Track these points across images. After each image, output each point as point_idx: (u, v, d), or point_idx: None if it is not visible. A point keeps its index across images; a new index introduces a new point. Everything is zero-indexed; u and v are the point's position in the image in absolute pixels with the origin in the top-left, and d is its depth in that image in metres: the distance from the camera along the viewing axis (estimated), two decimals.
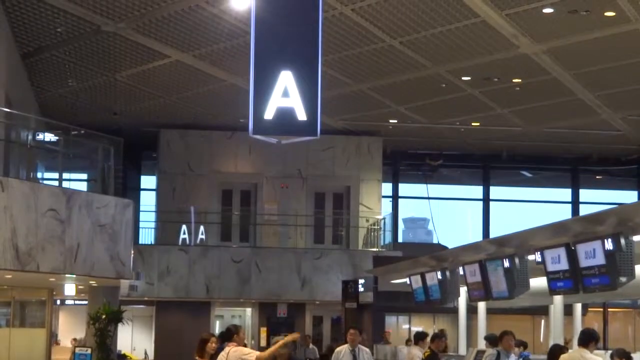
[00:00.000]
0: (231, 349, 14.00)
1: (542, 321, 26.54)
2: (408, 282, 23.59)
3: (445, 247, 28.64)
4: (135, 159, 35.93)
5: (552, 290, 15.90)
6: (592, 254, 14.48)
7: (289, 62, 17.90)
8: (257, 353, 14.02)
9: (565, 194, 39.29)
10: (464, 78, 26.87)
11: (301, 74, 17.71)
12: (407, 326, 33.83)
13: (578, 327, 18.37)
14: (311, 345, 29.34)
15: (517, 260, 17.18)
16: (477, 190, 38.92)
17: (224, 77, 26.27)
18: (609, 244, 13.67)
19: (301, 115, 17.26)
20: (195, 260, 32.14)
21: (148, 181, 38.26)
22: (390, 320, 34.60)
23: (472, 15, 21.57)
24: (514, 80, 26.92)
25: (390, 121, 32.20)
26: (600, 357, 14.22)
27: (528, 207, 38.17)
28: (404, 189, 38.70)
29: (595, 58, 24.72)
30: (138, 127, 33.56)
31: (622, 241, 13.49)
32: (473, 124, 32.37)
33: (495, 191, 39.03)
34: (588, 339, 14.16)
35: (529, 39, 23.21)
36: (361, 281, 29.45)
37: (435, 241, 37.49)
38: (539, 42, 23.55)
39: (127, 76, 27.83)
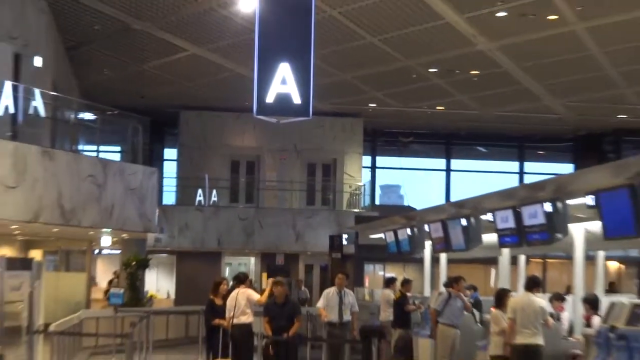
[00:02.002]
0: (240, 290, 14.16)
1: (492, 270, 26.59)
2: (383, 237, 23.59)
3: (414, 209, 28.62)
4: (159, 134, 35.94)
5: (501, 244, 15.98)
6: (534, 215, 14.55)
7: (286, 56, 17.92)
8: (259, 295, 14.19)
9: (514, 166, 39.40)
10: (431, 70, 26.86)
11: (296, 65, 17.75)
12: (382, 273, 33.95)
13: (522, 275, 18.45)
14: (303, 288, 29.44)
15: (472, 220, 17.24)
16: (440, 163, 39.01)
17: (233, 67, 26.29)
18: (548, 207, 13.75)
19: (296, 99, 17.31)
20: (208, 218, 32.22)
21: (170, 153, 38.25)
22: (368, 268, 34.80)
23: (438, 18, 21.59)
24: (472, 72, 26.92)
25: (370, 105, 32.21)
26: (542, 299, 14.33)
27: (482, 177, 38.20)
28: (381, 161, 38.77)
29: (540, 54, 24.71)
30: (162, 109, 33.56)
31: (559, 205, 13.57)
32: (438, 107, 32.38)
33: (456, 163, 39.10)
34: (533, 285, 14.26)
35: (485, 37, 23.21)
36: (345, 236, 29.51)
37: (406, 204, 37.54)
38: (493, 41, 23.56)
39: (152, 66, 27.86)
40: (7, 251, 24.12)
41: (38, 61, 21.64)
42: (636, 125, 33.79)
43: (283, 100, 17.90)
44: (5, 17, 20.69)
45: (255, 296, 14.15)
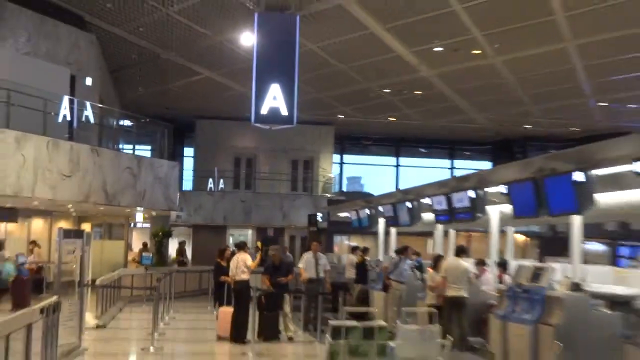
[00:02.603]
0: (240, 255, 14.26)
1: (430, 240, 26.67)
2: (348, 215, 23.76)
3: (372, 195, 28.73)
4: (180, 137, 35.79)
5: (437, 221, 16.15)
6: (461, 200, 14.65)
7: (277, 79, 18.12)
8: (252, 261, 14.37)
9: (446, 163, 39.54)
10: (385, 90, 26.90)
11: (284, 86, 18.00)
12: (347, 242, 33.98)
13: (452, 245, 18.52)
14: (287, 253, 29.42)
15: (415, 203, 17.37)
16: (392, 160, 39.05)
17: (237, 87, 26.24)
18: (471, 194, 13.86)
19: (284, 111, 17.59)
20: (217, 201, 32.28)
21: (188, 151, 38.05)
22: (337, 238, 34.85)
23: (391, 51, 21.65)
24: (416, 92, 26.96)
25: (339, 116, 32.21)
26: (467, 263, 14.42)
27: (423, 171, 38.25)
28: (347, 158, 38.69)
29: (467, 79, 24.79)
30: (182, 118, 33.55)
31: (480, 192, 13.70)
32: (390, 118, 32.38)
33: (403, 161, 39.12)
34: (460, 252, 14.42)
35: (426, 66, 23.26)
36: (319, 214, 29.51)
37: (365, 191, 37.59)
38: (432, 69, 23.59)
39: (176, 86, 27.79)
40: (64, 224, 24.14)
41: (89, 81, 22.08)
42: (538, 134, 33.99)
43: (274, 112, 18.16)
44: (63, 47, 21.34)
45: (249, 261, 14.28)
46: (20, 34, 20.23)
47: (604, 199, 10.94)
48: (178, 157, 35.07)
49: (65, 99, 19.24)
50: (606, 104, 27.61)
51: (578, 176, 10.82)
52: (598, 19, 18.74)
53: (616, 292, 11.61)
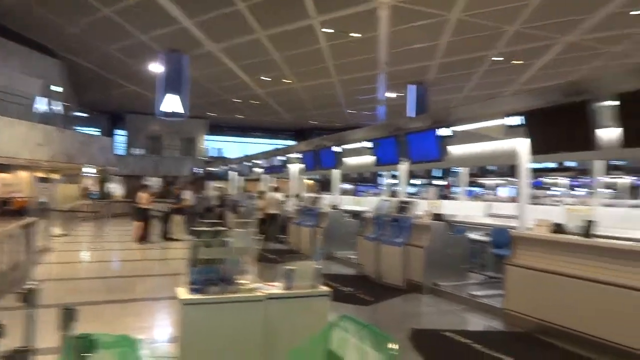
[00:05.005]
0: (144, 193, 13.30)
1: (260, 183, 26.78)
2: (215, 169, 23.25)
3: (229, 158, 28.28)
4: (116, 123, 32.50)
5: (263, 172, 16.08)
6: (275, 161, 14.77)
7: (176, 91, 17.35)
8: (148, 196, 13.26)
9: (270, 141, 38.69)
10: (235, 100, 26.43)
11: (181, 96, 17.23)
12: (214, 184, 33.10)
13: (271, 185, 18.62)
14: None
15: (251, 163, 17.27)
16: (240, 139, 38.08)
17: (150, 95, 24.48)
18: (282, 158, 13.92)
19: (180, 110, 16.82)
20: (138, 161, 30.42)
21: (122, 132, 35.34)
22: (209, 183, 33.87)
23: (238, 78, 21.20)
24: (252, 102, 26.52)
25: (210, 114, 31.29)
26: (279, 195, 14.60)
27: (257, 146, 37.53)
28: (215, 138, 37.33)
29: (280, 95, 24.79)
30: (118, 112, 31.04)
31: (284, 158, 13.77)
32: (238, 116, 31.83)
33: (247, 140, 38.00)
34: (275, 189, 14.54)
35: (259, 88, 23.08)
36: (199, 169, 28.77)
37: (225, 156, 36.64)
38: (261, 88, 23.38)
39: (114, 93, 25.62)
40: (39, 173, 22.01)
41: (58, 88, 20.03)
42: (318, 126, 34.37)
43: (173, 111, 17.42)
44: (39, 67, 18.98)
45: (144, 199, 12.94)
46: (11, 60, 18.12)
47: (350, 161, 11.53)
48: (115, 136, 32.69)
49: (42, 99, 17.94)
50: (353, 112, 28.75)
51: (336, 149, 11.32)
52: (353, 65, 19.31)
53: (354, 209, 12.30)
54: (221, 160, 28.16)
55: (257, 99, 25.80)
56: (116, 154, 29.15)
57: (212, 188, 23.63)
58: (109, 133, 29.98)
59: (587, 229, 5.56)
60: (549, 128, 5.85)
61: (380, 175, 30.02)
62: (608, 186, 20.20)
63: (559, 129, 5.72)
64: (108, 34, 16.73)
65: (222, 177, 23.16)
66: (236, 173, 20.83)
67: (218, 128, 36.49)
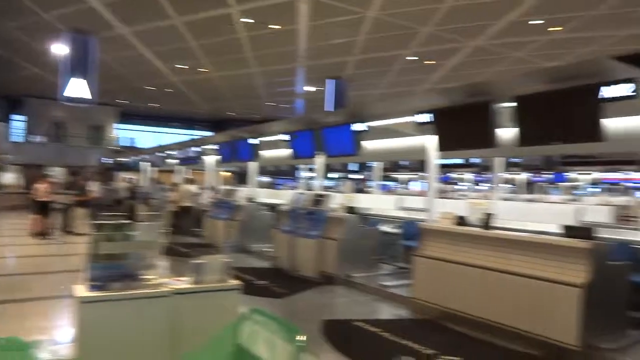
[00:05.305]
0: (42, 184, 12.28)
1: (173, 174, 26.01)
2: (125, 159, 22.22)
3: (141, 148, 27.06)
4: (15, 108, 30.26)
5: (178, 164, 15.63)
6: (191, 152, 14.37)
7: (82, 75, 16.34)
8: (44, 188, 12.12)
9: (187, 132, 37.53)
10: (150, 88, 25.32)
11: (87, 80, 16.22)
12: (124, 175, 31.53)
13: (185, 176, 18.13)
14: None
15: (165, 153, 16.70)
16: (154, 129, 36.65)
17: (55, 81, 22.89)
18: (197, 149, 13.62)
19: (87, 95, 15.85)
20: (40, 149, 27.93)
21: (19, 117, 32.49)
22: (118, 174, 32.23)
23: (154, 66, 20.38)
24: (167, 90, 25.68)
25: (121, 101, 29.72)
26: (194, 187, 14.20)
27: (172, 136, 36.35)
28: (125, 127, 35.57)
29: (197, 86, 24.14)
30: (14, 95, 28.56)
31: (200, 149, 13.49)
32: (152, 104, 30.63)
33: (160, 130, 36.66)
34: (190, 181, 14.16)
35: (174, 75, 22.30)
36: (107, 159, 27.31)
37: (137, 146, 35.06)
38: (177, 75, 22.59)
39: (10, 77, 23.52)
40: None
41: None
42: (237, 118, 33.64)
43: (80, 96, 16.38)
44: None
45: (42, 190, 11.99)
46: None
47: (267, 154, 11.47)
48: (12, 121, 29.95)
49: None
50: (272, 104, 28.63)
51: (253, 141, 11.21)
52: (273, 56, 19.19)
53: (271, 202, 12.26)
54: (133, 150, 26.83)
55: (173, 87, 24.85)
56: (12, 141, 26.81)
57: (122, 179, 22.43)
58: (4, 118, 27.46)
59: (486, 221, 5.94)
60: (454, 126, 6.18)
61: (298, 169, 30.21)
62: (507, 182, 21.76)
63: (463, 127, 6.06)
64: (5, 11, 15.25)
65: (133, 167, 22.08)
66: (149, 164, 19.96)
67: (130, 116, 34.71)
